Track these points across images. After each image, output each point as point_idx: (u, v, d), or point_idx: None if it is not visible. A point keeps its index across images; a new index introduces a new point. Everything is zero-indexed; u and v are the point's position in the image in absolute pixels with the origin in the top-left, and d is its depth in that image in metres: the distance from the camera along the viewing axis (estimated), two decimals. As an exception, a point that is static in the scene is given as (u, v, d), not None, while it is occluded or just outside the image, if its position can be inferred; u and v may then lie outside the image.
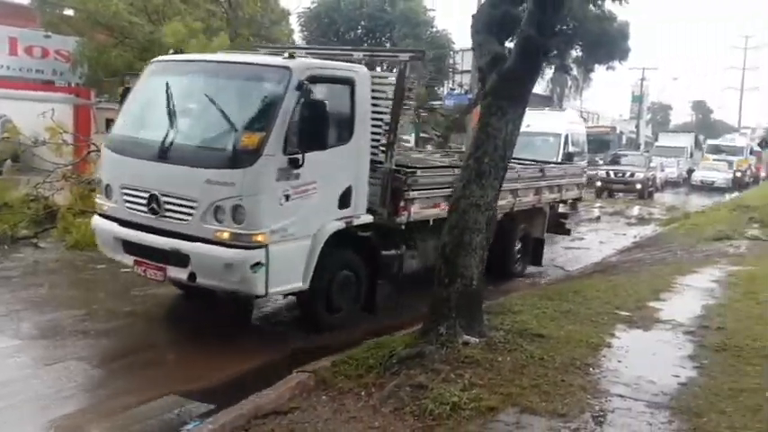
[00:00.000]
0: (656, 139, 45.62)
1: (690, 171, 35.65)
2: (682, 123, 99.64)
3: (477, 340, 5.08)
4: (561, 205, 10.92)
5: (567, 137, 17.57)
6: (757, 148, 40.44)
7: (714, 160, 35.12)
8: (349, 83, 6.23)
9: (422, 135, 37.92)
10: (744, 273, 8.98)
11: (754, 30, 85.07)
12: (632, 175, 24.92)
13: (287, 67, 5.70)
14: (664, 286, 8.09)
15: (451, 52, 36.75)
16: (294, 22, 31.80)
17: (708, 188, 31.44)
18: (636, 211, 20.10)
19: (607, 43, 25.20)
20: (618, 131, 35.03)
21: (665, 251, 11.62)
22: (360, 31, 35.01)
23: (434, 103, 36.49)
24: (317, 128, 5.62)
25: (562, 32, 27.37)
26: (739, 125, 69.02)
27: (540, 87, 59.59)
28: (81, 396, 4.85)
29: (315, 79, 5.74)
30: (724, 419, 4.10)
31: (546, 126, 16.85)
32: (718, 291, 7.93)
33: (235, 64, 6.44)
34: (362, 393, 4.38)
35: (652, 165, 27.68)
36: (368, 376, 4.60)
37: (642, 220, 18.09)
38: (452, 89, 40.34)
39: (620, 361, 5.21)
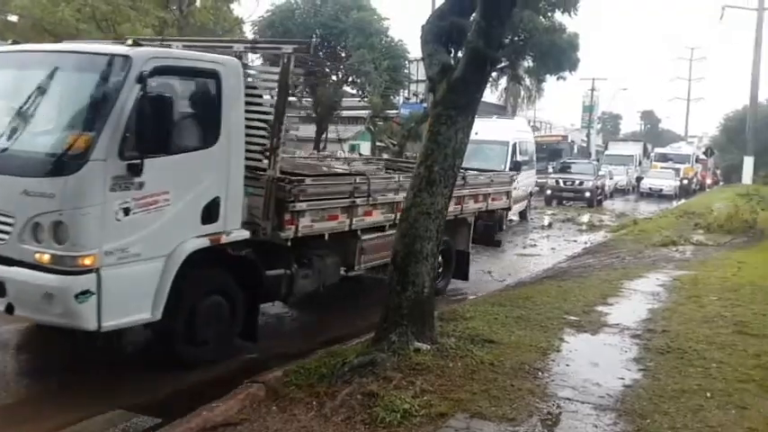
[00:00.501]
0: (607, 148, 46.83)
1: (639, 179, 36.66)
2: (631, 132, 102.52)
3: (429, 347, 5.11)
4: (510, 213, 10.83)
5: (515, 145, 17.19)
6: (703, 157, 41.88)
7: (662, 168, 36.16)
8: (213, 76, 5.36)
9: (378, 144, 38.17)
10: (688, 277, 9.27)
11: (699, 41, 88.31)
12: (581, 183, 25.22)
13: (126, 56, 4.79)
14: (612, 291, 8.29)
15: (406, 62, 37.09)
16: (249, 31, 31.67)
17: (656, 195, 32.36)
18: (586, 218, 20.52)
19: (557, 54, 25.74)
20: (570, 140, 35.78)
21: (613, 257, 11.90)
22: (315, 39, 35.03)
23: (390, 112, 36.78)
24: (163, 127, 4.76)
25: (513, 43, 27.97)
26: (686, 134, 71.39)
27: (494, 97, 60.64)
28: (23, 412, 4.68)
29: (163, 71, 4.97)
30: (666, 420, 4.22)
31: (494, 134, 16.54)
32: (664, 295, 8.16)
33: (68, 53, 5.46)
34: (314, 403, 4.35)
35: (600, 173, 27.84)
36: (319, 386, 4.56)
37: (593, 227, 18.48)
38: (407, 98, 40.68)
39: (567, 365, 5.31)
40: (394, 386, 4.46)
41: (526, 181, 17.79)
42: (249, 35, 31.81)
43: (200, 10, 24.87)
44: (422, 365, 4.80)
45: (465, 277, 9.11)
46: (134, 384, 5.08)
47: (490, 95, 58.60)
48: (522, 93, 62.94)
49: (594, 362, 5.44)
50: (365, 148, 40.11)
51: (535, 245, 14.42)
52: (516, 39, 27.75)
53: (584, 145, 66.20)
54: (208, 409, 4.29)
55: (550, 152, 29.78)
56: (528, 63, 28.40)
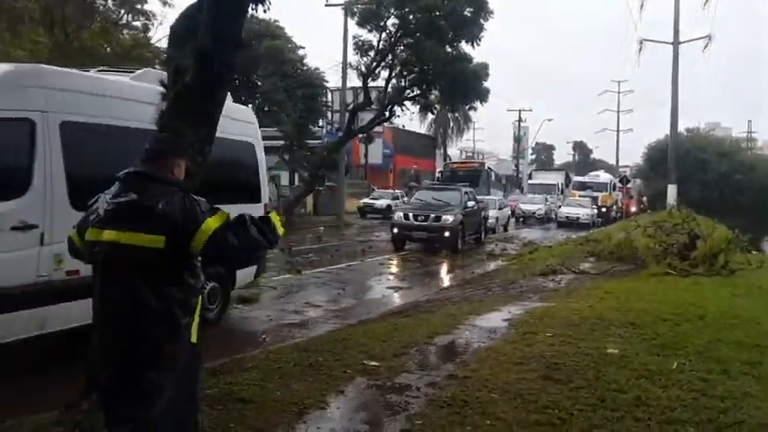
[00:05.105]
0: (531, 177, 47.27)
1: (560, 207, 36.78)
2: (564, 163, 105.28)
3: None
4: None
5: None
6: (619, 185, 42.50)
7: (580, 196, 36.37)
8: None
9: (299, 173, 37.23)
10: (542, 310, 8.52)
11: (625, 75, 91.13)
12: (438, 218, 18.46)
13: None
14: (447, 328, 7.45)
15: (325, 91, 36.54)
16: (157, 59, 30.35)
17: (574, 224, 32.23)
18: (489, 247, 20.00)
19: (462, 84, 25.54)
20: (487, 167, 35.56)
21: (482, 288, 11.17)
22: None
23: (311, 142, 36.00)
24: None
25: (424, 72, 27.72)
26: (617, 164, 73.29)
27: (423, 128, 60.97)
28: None
29: None
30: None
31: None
32: (502, 331, 7.36)
33: None
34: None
35: (472, 204, 20.47)
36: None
37: (491, 256, 17.89)
38: (330, 126, 40.13)
39: (318, 427, 4.37)
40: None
41: None
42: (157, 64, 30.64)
43: (92, 34, 23.59)
44: (103, 443, 3.77)
45: None
46: None
47: (419, 127, 59.03)
48: (452, 123, 63.75)
49: (359, 422, 4.53)
50: (284, 178, 39.18)
51: (415, 278, 13.62)
52: (426, 68, 27.60)
53: (514, 174, 67.24)
54: None
55: (466, 179, 29.28)
56: (436, 93, 28.22)
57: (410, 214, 18.98)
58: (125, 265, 2.82)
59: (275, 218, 3.05)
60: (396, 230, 18.94)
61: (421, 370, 5.74)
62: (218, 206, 3.05)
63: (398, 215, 19.48)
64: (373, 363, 5.89)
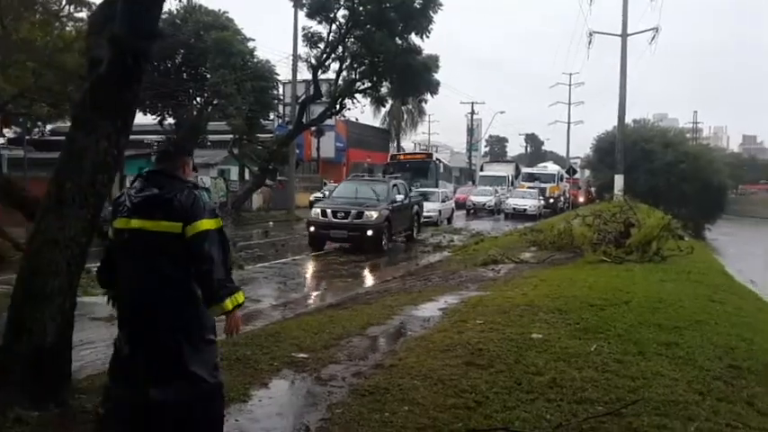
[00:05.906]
0: (482, 169, 47.82)
1: (511, 198, 37.23)
2: (517, 155, 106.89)
3: (36, 414, 4.01)
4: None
5: None
6: (566, 176, 43.30)
7: (529, 188, 36.90)
8: None
9: (251, 168, 36.78)
10: (476, 299, 8.66)
11: (576, 68, 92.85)
12: (359, 215, 16.28)
13: None
14: (382, 318, 7.52)
15: (276, 83, 36.14)
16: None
17: (521, 215, 32.65)
18: (437, 239, 20.18)
19: (412, 76, 25.63)
20: (435, 159, 35.61)
21: (423, 279, 11.29)
22: (178, 60, 33.49)
23: (262, 135, 35.60)
24: None
25: (374, 65, 27.76)
26: (568, 155, 74.73)
27: (377, 121, 60.97)
28: None
29: None
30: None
31: None
32: (435, 320, 7.47)
33: None
34: None
35: (399, 197, 17.97)
36: None
37: (438, 248, 18.02)
38: (281, 120, 39.77)
39: (237, 420, 4.38)
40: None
41: None
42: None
43: (30, 27, 22.77)
44: (8, 441, 3.72)
45: None
46: None
47: (373, 120, 59.03)
48: (405, 116, 63.93)
49: (279, 414, 4.55)
50: (234, 173, 38.70)
51: (359, 270, 13.66)
52: (376, 60, 27.63)
53: (468, 166, 67.93)
54: None
55: (414, 171, 29.30)
56: (387, 85, 28.26)
57: (328, 211, 16.56)
58: (150, 248, 3.31)
59: (240, 296, 3.49)
60: (312, 229, 16.66)
61: (349, 360, 5.79)
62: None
63: (315, 212, 16.99)
64: (302, 355, 5.92)
